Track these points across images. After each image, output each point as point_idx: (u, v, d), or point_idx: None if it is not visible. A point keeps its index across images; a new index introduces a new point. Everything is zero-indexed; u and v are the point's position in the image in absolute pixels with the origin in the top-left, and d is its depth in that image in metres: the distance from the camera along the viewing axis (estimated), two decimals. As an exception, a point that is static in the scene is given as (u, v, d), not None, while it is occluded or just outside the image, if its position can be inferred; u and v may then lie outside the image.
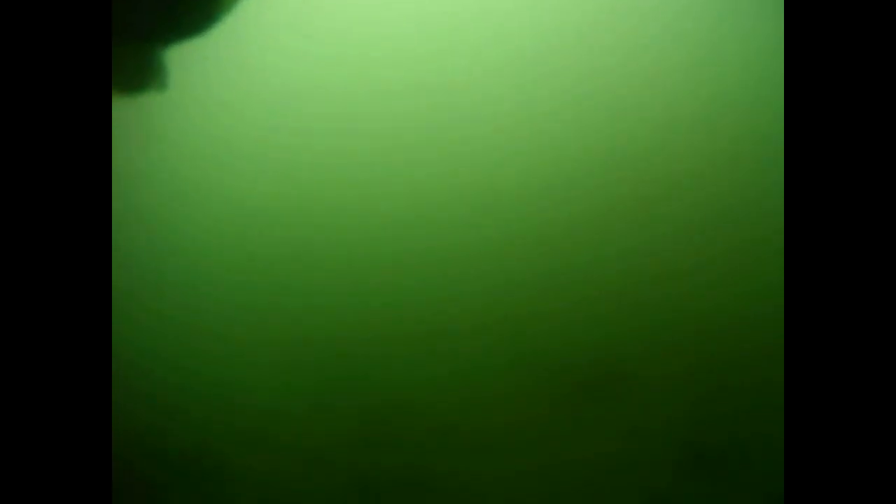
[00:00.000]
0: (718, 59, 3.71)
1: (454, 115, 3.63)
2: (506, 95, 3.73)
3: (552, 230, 3.38)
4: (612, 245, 3.35)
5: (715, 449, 2.97)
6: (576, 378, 3.08)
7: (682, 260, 3.32)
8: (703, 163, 3.52)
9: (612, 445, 2.98)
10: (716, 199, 3.44)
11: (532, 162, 3.54)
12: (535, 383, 3.08)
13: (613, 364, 3.11)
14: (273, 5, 3.82)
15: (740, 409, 3.05)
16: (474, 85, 3.71)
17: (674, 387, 3.09)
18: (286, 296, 3.22)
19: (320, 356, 3.13)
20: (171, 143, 3.57)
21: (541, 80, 3.73)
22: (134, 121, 3.60)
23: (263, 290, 3.23)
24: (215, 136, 3.59)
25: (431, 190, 3.45)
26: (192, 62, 3.62)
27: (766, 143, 3.55)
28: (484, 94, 3.70)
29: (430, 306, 3.20)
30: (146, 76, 3.45)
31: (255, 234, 3.33)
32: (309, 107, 3.67)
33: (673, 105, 3.65)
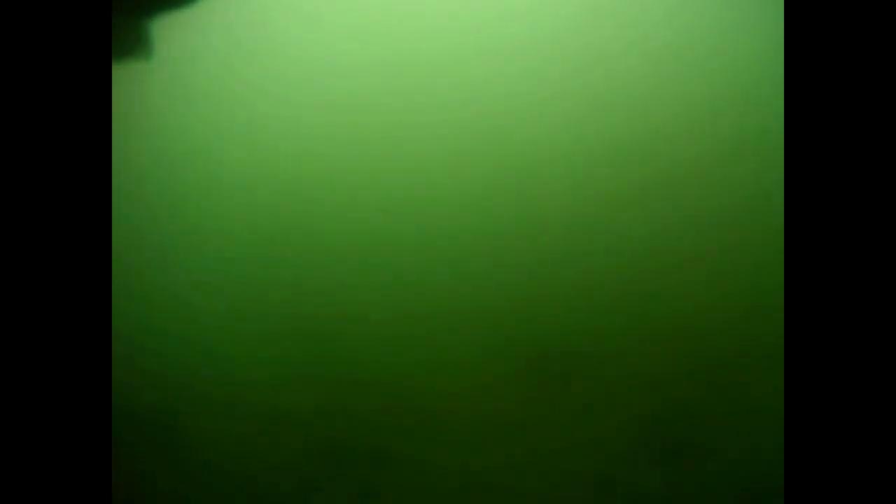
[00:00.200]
0: (720, 58, 3.71)
1: (433, 98, 3.66)
2: (499, 81, 3.75)
3: (531, 222, 3.41)
4: (588, 239, 3.38)
5: (675, 437, 3.00)
6: (537, 362, 3.13)
7: (656, 255, 3.34)
8: (682, 144, 3.54)
9: (571, 428, 3.02)
10: (700, 191, 3.45)
11: (515, 155, 3.57)
12: (499, 367, 3.13)
13: (574, 349, 3.15)
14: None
15: (703, 396, 3.07)
16: (465, 65, 3.75)
17: (637, 374, 3.11)
18: (263, 270, 3.29)
19: (293, 331, 3.19)
20: (163, 111, 3.64)
21: (537, 74, 3.76)
22: (130, 92, 3.67)
23: (240, 264, 3.30)
24: (205, 104, 3.65)
25: (411, 178, 3.50)
26: (182, 33, 3.69)
27: (766, 141, 3.55)
28: (477, 79, 3.73)
29: (402, 290, 3.25)
30: (138, 46, 3.51)
31: (233, 209, 3.40)
32: (299, 78, 3.72)
33: (672, 101, 3.66)
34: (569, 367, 3.14)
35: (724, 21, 3.79)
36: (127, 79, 3.61)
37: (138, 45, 3.50)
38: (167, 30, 3.74)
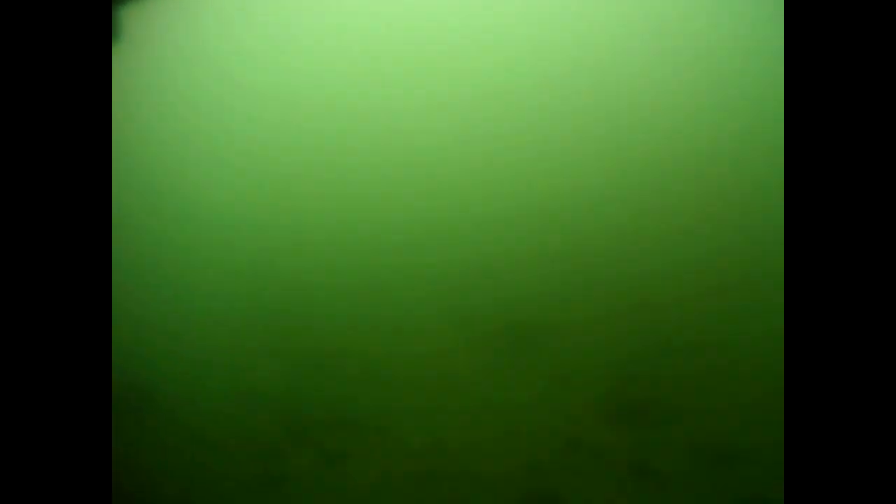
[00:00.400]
0: (720, 59, 3.75)
1: (421, 93, 3.74)
2: (491, 80, 3.82)
3: (498, 196, 3.47)
4: (554, 210, 3.43)
5: (639, 400, 3.03)
6: (503, 330, 3.17)
7: (624, 227, 3.39)
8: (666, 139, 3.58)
9: (536, 392, 3.06)
10: (666, 173, 3.49)
11: (488, 136, 3.63)
12: (464, 335, 3.19)
13: (540, 318, 3.20)
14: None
15: (670, 367, 3.10)
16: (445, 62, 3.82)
17: (602, 341, 3.16)
18: (235, 252, 3.37)
19: (263, 304, 3.27)
20: (162, 111, 3.75)
21: (537, 77, 3.82)
22: (130, 91, 3.78)
23: (214, 249, 3.39)
24: (205, 105, 3.75)
25: (380, 157, 3.57)
26: (184, 25, 3.80)
27: (765, 151, 3.57)
28: (456, 78, 3.79)
29: (368, 263, 3.32)
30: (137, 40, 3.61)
31: (209, 189, 3.49)
32: (297, 77, 3.81)
33: (669, 107, 3.71)
34: (534, 336, 3.19)
35: (725, 21, 3.84)
36: (127, 78, 3.72)
37: (138, 39, 3.57)
38: (165, 27, 3.83)
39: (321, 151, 3.61)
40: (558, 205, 3.42)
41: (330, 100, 3.73)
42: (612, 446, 2.96)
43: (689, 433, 2.98)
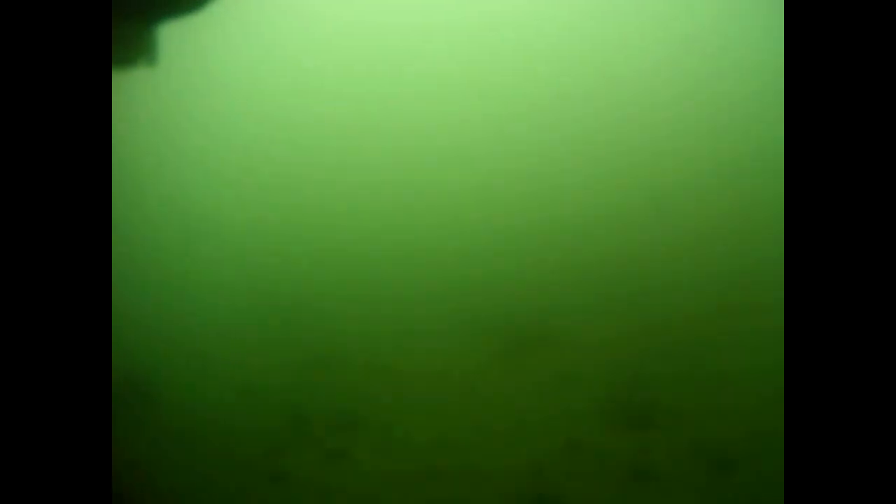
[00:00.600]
0: (720, 61, 3.76)
1: (411, 89, 3.75)
2: (490, 80, 3.84)
3: (502, 203, 3.48)
4: (558, 216, 3.44)
5: (640, 404, 3.03)
6: (507, 332, 3.18)
7: (625, 233, 3.40)
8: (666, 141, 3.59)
9: (538, 393, 3.06)
10: (666, 171, 3.50)
11: (493, 141, 3.65)
12: (469, 338, 3.20)
13: (544, 323, 3.20)
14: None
15: (672, 372, 3.11)
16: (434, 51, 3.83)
17: (606, 344, 3.16)
18: (244, 254, 3.39)
19: (270, 302, 3.28)
20: (162, 113, 3.77)
21: (534, 75, 3.83)
22: (131, 95, 3.80)
23: (223, 249, 3.40)
24: (204, 107, 3.78)
25: (387, 163, 3.59)
26: (186, 39, 3.81)
27: (765, 156, 3.58)
28: (450, 77, 3.81)
29: (374, 268, 3.33)
30: (140, 52, 3.60)
31: (221, 201, 3.51)
32: (296, 83, 3.84)
33: (657, 93, 3.71)
34: (537, 338, 3.20)
35: (725, 23, 3.84)
36: (127, 84, 3.73)
37: (140, 51, 3.58)
38: (168, 36, 3.84)
39: (324, 152, 3.62)
40: (562, 213, 3.43)
41: (338, 104, 3.75)
42: (614, 448, 2.96)
43: (690, 436, 2.98)
